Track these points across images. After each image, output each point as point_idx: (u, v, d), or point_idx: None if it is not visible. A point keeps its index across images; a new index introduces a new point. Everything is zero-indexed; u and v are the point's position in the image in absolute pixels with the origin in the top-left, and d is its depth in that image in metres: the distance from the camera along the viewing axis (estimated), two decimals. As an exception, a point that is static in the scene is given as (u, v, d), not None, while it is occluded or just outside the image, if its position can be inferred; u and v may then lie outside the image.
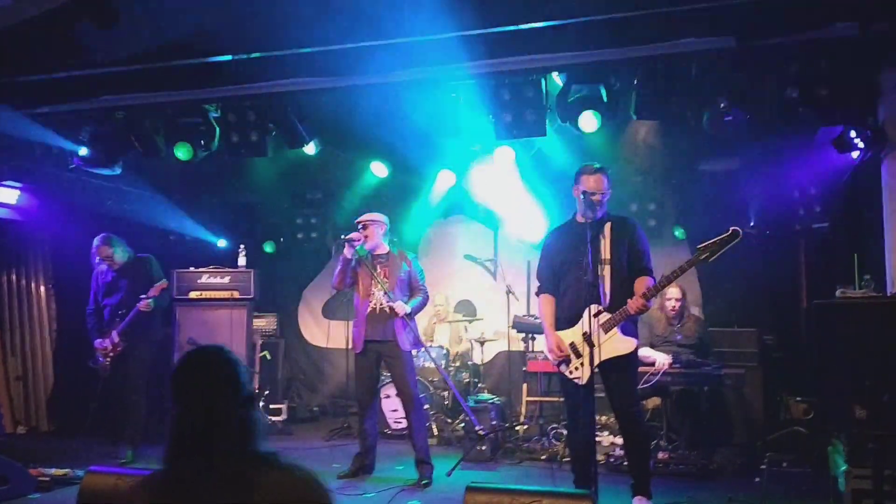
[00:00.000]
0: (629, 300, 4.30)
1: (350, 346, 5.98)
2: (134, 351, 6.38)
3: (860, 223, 6.08)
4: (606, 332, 4.32)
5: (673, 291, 6.31)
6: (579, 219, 4.58)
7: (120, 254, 6.45)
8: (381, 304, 5.65)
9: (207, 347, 1.92)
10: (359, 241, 5.68)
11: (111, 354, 6.36)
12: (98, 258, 6.46)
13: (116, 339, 6.33)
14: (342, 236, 5.73)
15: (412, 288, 5.84)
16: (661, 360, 5.90)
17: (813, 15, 4.89)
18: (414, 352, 7.75)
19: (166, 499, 1.74)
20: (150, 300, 6.29)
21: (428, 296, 5.97)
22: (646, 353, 5.88)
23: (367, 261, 5.69)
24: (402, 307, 5.60)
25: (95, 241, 6.44)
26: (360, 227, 5.78)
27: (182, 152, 6.44)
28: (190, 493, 1.71)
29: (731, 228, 4.16)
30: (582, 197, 4.48)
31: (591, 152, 5.28)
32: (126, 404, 6.41)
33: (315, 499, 1.73)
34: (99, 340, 6.43)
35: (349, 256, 5.65)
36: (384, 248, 5.86)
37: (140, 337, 6.40)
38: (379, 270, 5.69)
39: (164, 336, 6.80)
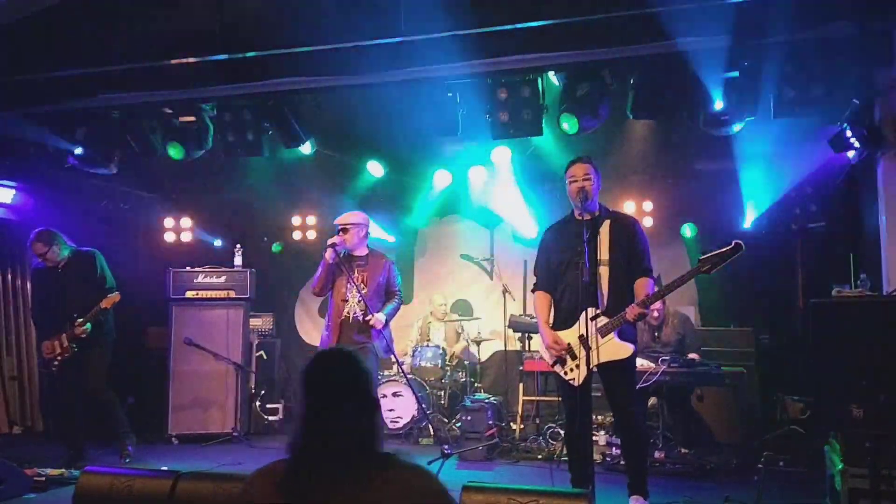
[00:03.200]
0: (628, 308, 4.24)
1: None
2: (89, 357, 6.05)
3: (856, 222, 6.09)
4: (603, 336, 4.26)
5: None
6: (576, 215, 4.55)
7: (57, 250, 6.03)
8: (354, 313, 5.44)
9: (336, 350, 2.00)
10: (341, 245, 5.45)
11: (59, 358, 6.00)
12: (33, 256, 6.08)
13: (66, 344, 5.98)
14: (327, 241, 5.49)
15: (388, 293, 5.65)
16: (644, 364, 5.90)
17: (810, 14, 4.89)
18: (409, 351, 7.81)
19: (296, 494, 1.78)
20: (86, 325, 5.94)
21: (402, 300, 5.78)
22: None
23: (346, 265, 5.47)
24: (379, 321, 5.40)
25: (30, 237, 6.03)
26: (339, 229, 5.54)
27: (174, 151, 6.39)
28: (320, 489, 1.76)
29: (734, 242, 4.08)
30: (569, 187, 4.46)
31: (587, 151, 5.28)
32: (101, 408, 6.18)
33: (436, 495, 1.80)
34: (46, 343, 6.07)
35: (330, 261, 5.44)
36: (364, 249, 5.64)
37: (93, 342, 6.04)
38: (357, 275, 5.48)
39: (115, 338, 6.38)
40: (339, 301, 5.51)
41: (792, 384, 6.45)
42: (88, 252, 6.27)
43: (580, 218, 4.44)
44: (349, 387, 1.86)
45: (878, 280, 5.13)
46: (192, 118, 6.33)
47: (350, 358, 1.91)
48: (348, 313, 5.47)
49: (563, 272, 4.49)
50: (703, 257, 4.18)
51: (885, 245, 5.17)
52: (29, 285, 8.00)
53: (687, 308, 7.51)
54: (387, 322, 5.54)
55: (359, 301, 5.43)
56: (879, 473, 3.63)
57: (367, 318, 5.38)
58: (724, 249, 4.11)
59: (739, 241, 4.08)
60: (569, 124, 5.62)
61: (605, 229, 4.44)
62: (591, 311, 4.23)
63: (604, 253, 4.39)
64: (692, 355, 6.32)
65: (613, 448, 6.02)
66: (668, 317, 6.63)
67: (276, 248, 9.25)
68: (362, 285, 5.46)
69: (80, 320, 5.94)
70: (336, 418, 1.82)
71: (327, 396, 1.84)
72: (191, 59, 5.73)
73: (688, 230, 7.77)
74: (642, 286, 4.33)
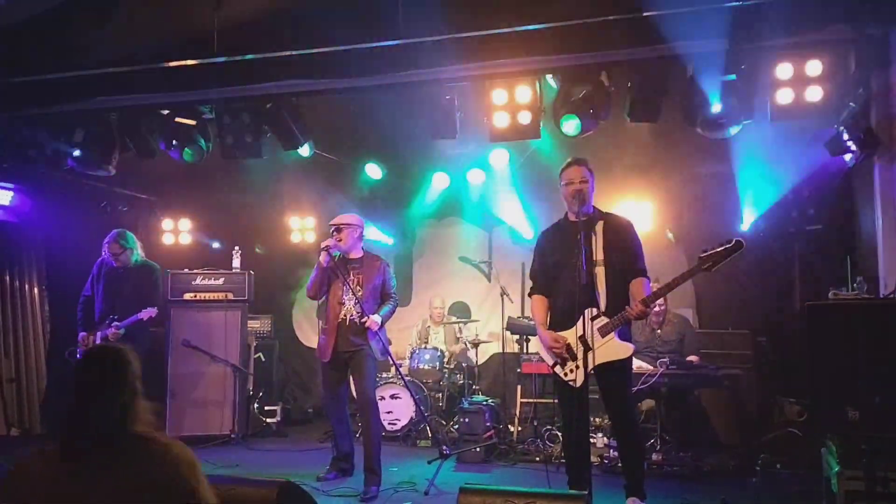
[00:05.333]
0: (629, 306, 4.27)
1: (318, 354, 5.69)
2: None
3: (853, 225, 6.10)
4: (603, 336, 4.28)
5: None
6: (570, 217, 4.57)
7: (130, 255, 6.29)
8: (351, 315, 5.45)
9: (108, 346, 2.28)
10: (335, 247, 5.46)
11: None
12: (107, 252, 6.29)
13: (97, 342, 6.06)
14: (321, 245, 5.50)
15: (383, 295, 5.65)
16: (643, 366, 5.92)
17: (806, 17, 4.91)
18: (407, 354, 7.82)
19: (63, 476, 2.02)
20: (121, 330, 6.08)
21: (397, 303, 5.78)
22: None
23: (341, 268, 5.50)
24: (375, 323, 5.41)
25: (110, 235, 6.30)
26: (333, 230, 5.56)
27: (189, 154, 6.39)
28: (84, 467, 2.02)
29: (735, 239, 4.11)
30: (564, 189, 4.48)
31: (585, 154, 5.30)
32: None
33: (190, 463, 2.08)
34: (84, 334, 6.21)
35: (325, 265, 5.43)
36: (359, 252, 5.65)
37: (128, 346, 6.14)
38: (352, 277, 5.50)
39: (151, 345, 6.55)
40: (335, 304, 5.53)
41: (789, 386, 6.45)
42: (152, 265, 6.50)
43: (575, 220, 4.46)
44: (109, 378, 2.16)
45: (874, 283, 5.14)
46: (192, 121, 6.34)
47: (113, 353, 2.23)
48: (345, 316, 5.48)
49: (558, 273, 4.51)
50: (703, 255, 4.19)
51: (881, 248, 5.18)
52: (31, 285, 8.02)
53: (685, 310, 7.51)
54: (382, 324, 5.55)
55: (355, 304, 5.44)
56: (875, 475, 3.64)
57: (364, 320, 5.40)
58: (724, 247, 4.13)
59: (740, 239, 4.10)
60: (570, 126, 5.63)
61: (598, 230, 4.47)
62: (590, 312, 4.24)
63: (599, 253, 4.41)
64: (691, 358, 6.32)
65: (611, 450, 6.02)
66: (668, 316, 6.65)
67: (259, 249, 9.25)
68: (358, 288, 5.47)
69: (117, 323, 6.07)
70: (97, 404, 2.11)
71: (91, 386, 2.14)
72: (189, 62, 5.74)
73: (669, 234, 7.83)
74: (639, 286, 4.35)
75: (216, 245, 9.13)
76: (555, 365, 4.50)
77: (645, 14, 4.90)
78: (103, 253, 6.36)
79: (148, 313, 6.20)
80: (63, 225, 6.31)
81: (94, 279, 6.43)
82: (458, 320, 8.24)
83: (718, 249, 4.14)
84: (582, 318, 4.23)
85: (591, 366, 4.19)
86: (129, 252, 6.30)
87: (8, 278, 7.97)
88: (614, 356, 4.32)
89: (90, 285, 6.44)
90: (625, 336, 4.40)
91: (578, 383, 4.33)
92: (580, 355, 4.29)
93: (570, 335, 4.39)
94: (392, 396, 7.30)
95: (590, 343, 4.17)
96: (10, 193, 7.49)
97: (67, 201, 7.78)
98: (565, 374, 4.44)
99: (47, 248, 8.04)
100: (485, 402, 6.84)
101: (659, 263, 6.51)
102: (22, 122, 6.50)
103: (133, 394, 2.20)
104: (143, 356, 6.36)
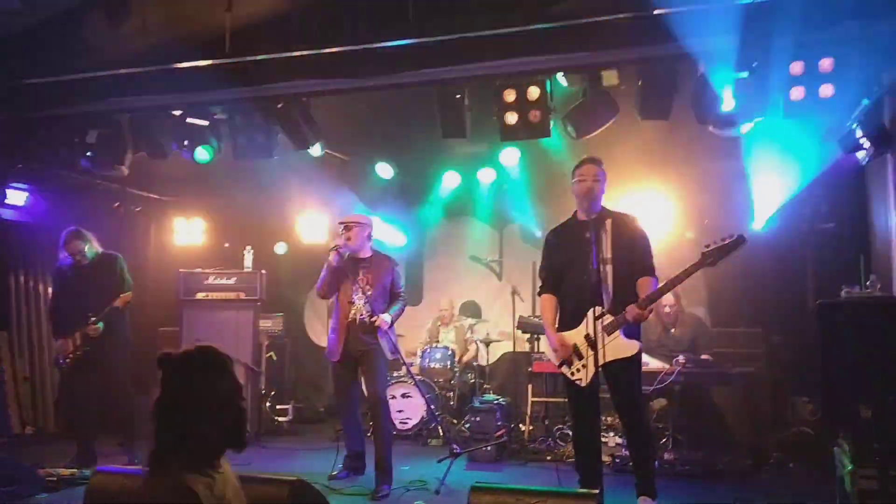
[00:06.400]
0: (627, 309, 4.26)
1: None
2: (105, 357, 6.07)
3: (866, 223, 6.06)
4: (609, 334, 4.28)
5: (667, 297, 6.23)
6: (580, 216, 4.58)
7: (89, 249, 6.18)
8: (361, 315, 5.47)
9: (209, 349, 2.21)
10: (344, 247, 5.49)
11: (71, 356, 6.07)
12: (66, 253, 6.17)
13: (79, 342, 6.04)
14: (330, 245, 5.54)
15: (392, 295, 5.68)
16: (658, 366, 5.91)
17: (819, 14, 4.88)
18: (417, 353, 7.83)
19: None
20: (98, 325, 6.02)
21: (406, 302, 5.81)
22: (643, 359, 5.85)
23: (351, 267, 5.53)
24: (385, 322, 5.44)
25: (64, 235, 6.16)
26: (342, 228, 5.59)
27: (203, 154, 6.41)
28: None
29: (737, 234, 4.11)
30: (576, 186, 4.47)
31: (596, 152, 5.27)
32: (119, 408, 6.22)
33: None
34: (61, 341, 6.15)
35: (335, 264, 5.46)
36: (367, 251, 5.67)
37: (107, 343, 6.07)
38: (362, 276, 5.51)
39: (130, 341, 6.42)
40: (345, 303, 5.55)
41: (802, 385, 6.42)
42: (112, 255, 6.37)
43: (584, 219, 4.47)
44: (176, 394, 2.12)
45: (887, 281, 5.11)
46: (204, 121, 6.37)
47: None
48: (354, 315, 5.50)
49: (567, 271, 4.51)
50: (705, 250, 4.19)
51: (895, 246, 5.15)
52: (44, 285, 8.07)
53: (698, 309, 7.49)
54: (392, 323, 5.56)
55: (365, 303, 5.46)
56: (889, 474, 3.62)
57: (373, 319, 5.41)
58: (726, 242, 4.13)
59: (742, 234, 4.10)
60: (572, 128, 5.63)
61: (608, 228, 4.47)
62: (596, 310, 4.24)
63: (607, 251, 4.41)
64: (704, 356, 6.31)
65: (623, 449, 6.01)
66: (682, 317, 6.63)
67: (279, 248, 9.29)
68: (367, 287, 5.49)
69: (94, 319, 6.02)
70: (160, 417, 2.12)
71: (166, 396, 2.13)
72: (201, 63, 5.77)
73: (687, 233, 7.80)
74: (646, 286, 4.34)
75: (228, 245, 9.17)
76: (561, 365, 4.51)
77: (655, 12, 4.89)
78: (60, 258, 6.26)
79: (122, 300, 6.13)
80: (77, 225, 6.35)
81: (57, 287, 6.39)
82: (468, 318, 8.24)
83: (720, 245, 4.14)
84: (587, 316, 4.24)
85: (598, 364, 4.19)
86: (88, 247, 6.17)
87: (23, 278, 8.04)
88: (620, 354, 4.32)
89: (56, 293, 6.43)
90: (631, 334, 4.39)
91: (584, 383, 4.33)
92: (587, 354, 4.29)
93: (578, 334, 4.40)
94: (403, 395, 7.31)
95: (596, 342, 4.17)
96: (25, 194, 7.55)
97: (81, 202, 7.84)
98: (571, 374, 4.45)
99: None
100: (496, 401, 6.84)
101: (670, 261, 6.50)
102: (35, 124, 6.55)
103: (188, 422, 2.09)
104: (122, 344, 6.34)
